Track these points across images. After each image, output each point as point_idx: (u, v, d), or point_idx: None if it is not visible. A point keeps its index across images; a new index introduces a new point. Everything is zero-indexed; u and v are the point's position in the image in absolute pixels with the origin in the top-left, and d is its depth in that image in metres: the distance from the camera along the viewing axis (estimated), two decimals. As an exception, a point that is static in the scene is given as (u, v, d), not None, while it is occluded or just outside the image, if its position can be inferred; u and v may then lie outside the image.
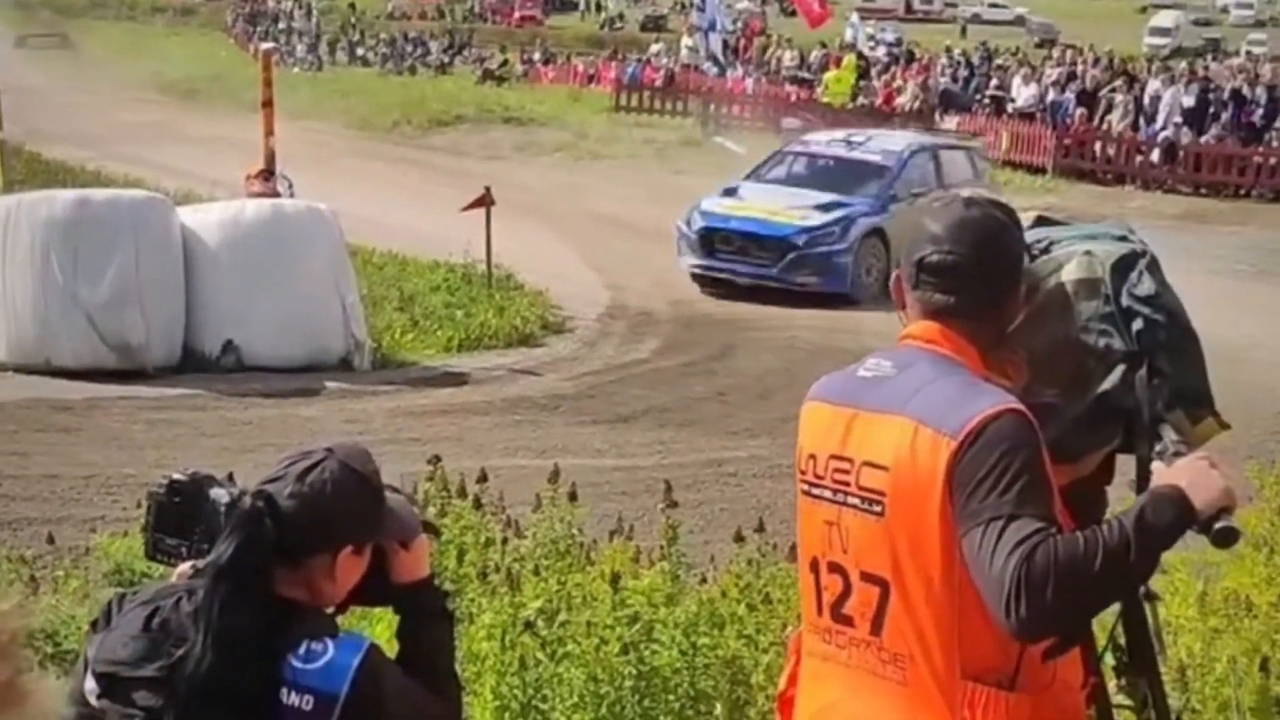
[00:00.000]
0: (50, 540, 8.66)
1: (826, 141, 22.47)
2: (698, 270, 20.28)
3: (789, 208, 20.09)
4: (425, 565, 3.23)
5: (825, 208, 20.02)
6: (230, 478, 3.37)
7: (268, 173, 15.20)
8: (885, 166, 20.78)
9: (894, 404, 3.26)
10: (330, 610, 3.11)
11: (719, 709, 5.64)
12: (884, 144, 21.71)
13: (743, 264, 19.90)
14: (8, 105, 19.53)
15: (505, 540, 6.84)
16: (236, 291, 14.07)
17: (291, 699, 2.91)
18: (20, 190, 16.74)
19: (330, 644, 2.95)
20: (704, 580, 6.78)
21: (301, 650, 2.93)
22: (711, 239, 20.11)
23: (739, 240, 19.92)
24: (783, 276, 19.63)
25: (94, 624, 3.10)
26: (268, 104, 16.23)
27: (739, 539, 6.53)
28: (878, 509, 3.25)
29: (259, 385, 13.72)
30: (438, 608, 3.25)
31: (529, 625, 5.70)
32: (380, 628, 4.67)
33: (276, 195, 14.86)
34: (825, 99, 37.57)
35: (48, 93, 40.32)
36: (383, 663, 3.02)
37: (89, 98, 42.08)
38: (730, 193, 20.92)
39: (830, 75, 38.86)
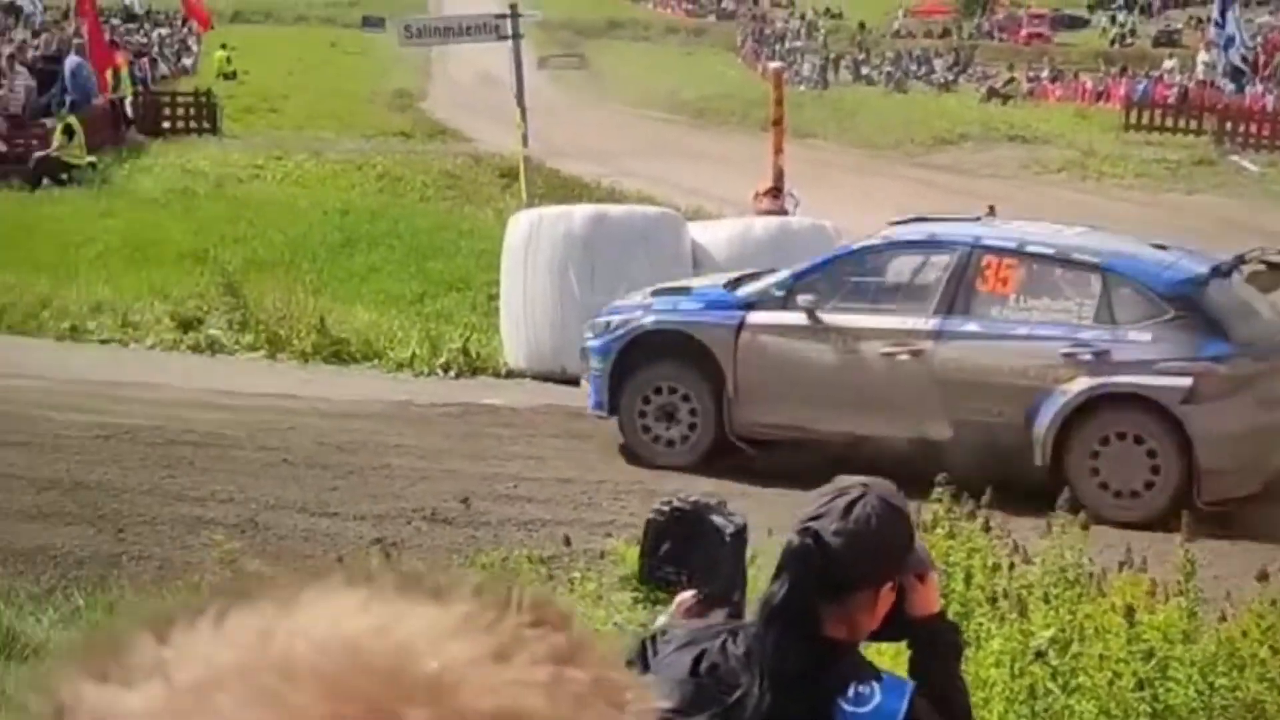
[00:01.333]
0: (566, 542, 8.97)
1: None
2: None
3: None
4: (938, 599, 3.21)
5: (666, 292, 12.54)
6: (724, 504, 3.39)
7: (776, 190, 15.42)
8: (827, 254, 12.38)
9: None
10: None
11: (1238, 753, 5.42)
12: (951, 230, 11.90)
13: None
14: (531, 124, 20.37)
15: (1012, 565, 6.76)
16: (743, 306, 14.28)
17: None
18: (540, 205, 17.46)
19: (876, 687, 2.94)
20: (1223, 618, 6.51)
21: (850, 693, 2.92)
22: None
23: None
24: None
25: (628, 664, 3.14)
26: (778, 122, 16.48)
27: (1263, 578, 6.24)
28: None
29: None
30: (952, 642, 3.23)
31: (1040, 654, 5.61)
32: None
33: (784, 213, 15.04)
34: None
35: (565, 111, 41.96)
36: (923, 705, 2.99)
37: (604, 115, 43.55)
38: None
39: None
